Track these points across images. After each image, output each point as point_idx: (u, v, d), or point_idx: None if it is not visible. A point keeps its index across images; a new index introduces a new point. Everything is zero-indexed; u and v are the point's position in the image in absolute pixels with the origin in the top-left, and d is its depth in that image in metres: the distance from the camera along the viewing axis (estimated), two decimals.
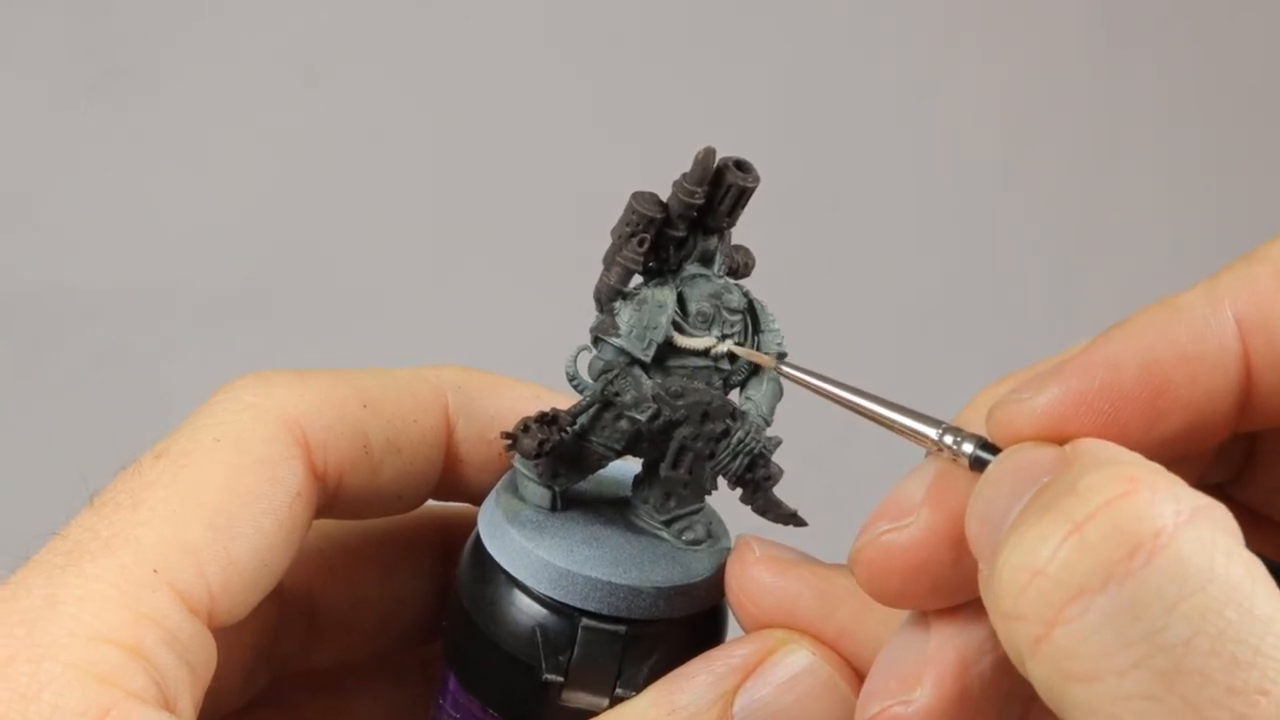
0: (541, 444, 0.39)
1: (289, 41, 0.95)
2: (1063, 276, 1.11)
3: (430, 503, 0.45)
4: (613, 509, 0.41)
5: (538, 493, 0.40)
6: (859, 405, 0.36)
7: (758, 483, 0.40)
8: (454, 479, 0.43)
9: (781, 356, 0.40)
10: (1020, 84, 1.08)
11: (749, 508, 0.40)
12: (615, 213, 0.39)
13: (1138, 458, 0.31)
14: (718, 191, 0.38)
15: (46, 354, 0.92)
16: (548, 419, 0.39)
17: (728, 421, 0.39)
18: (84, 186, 0.93)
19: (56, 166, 0.92)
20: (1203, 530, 0.28)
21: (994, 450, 0.34)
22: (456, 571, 0.41)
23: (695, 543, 0.40)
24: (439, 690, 0.42)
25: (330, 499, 0.41)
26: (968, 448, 0.34)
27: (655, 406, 0.39)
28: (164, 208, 0.94)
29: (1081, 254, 1.11)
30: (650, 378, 0.40)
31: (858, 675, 0.38)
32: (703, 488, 0.40)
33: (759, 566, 0.39)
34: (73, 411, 0.93)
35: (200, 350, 0.95)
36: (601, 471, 0.41)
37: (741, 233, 0.41)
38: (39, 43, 0.91)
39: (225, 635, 0.41)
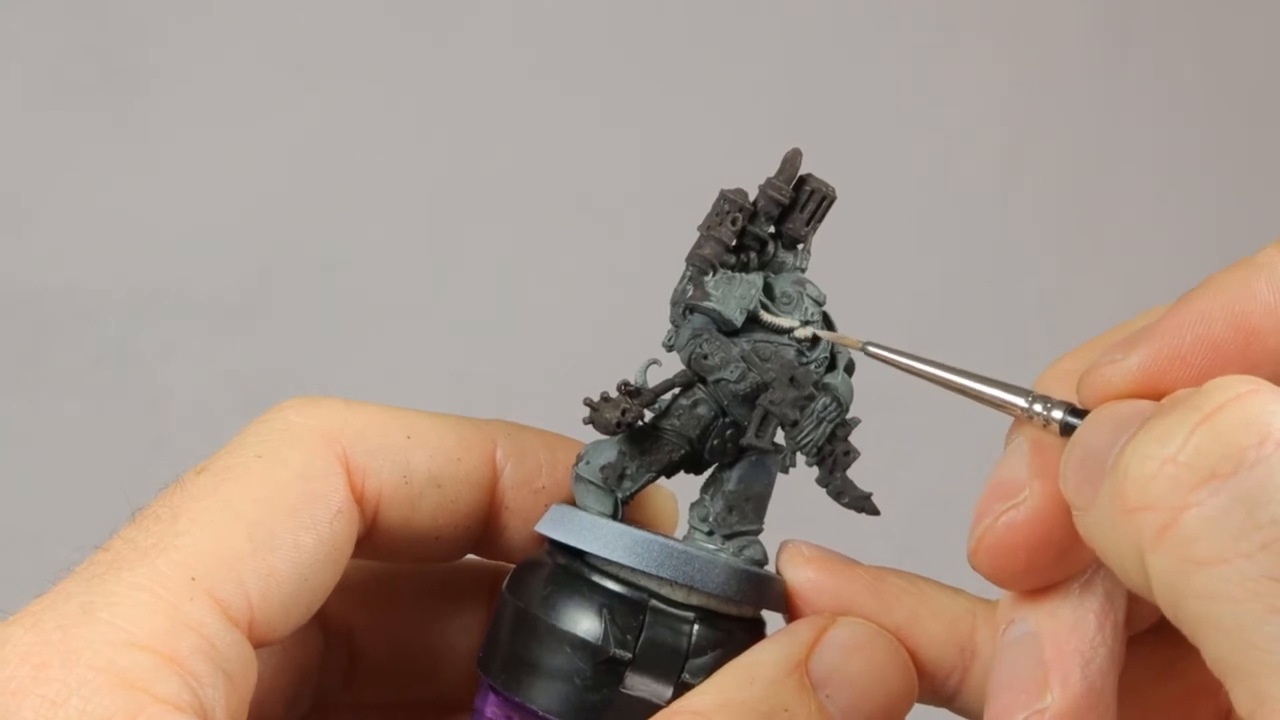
0: (624, 413, 0.38)
1: (289, 41, 0.95)
2: (1063, 278, 1.11)
3: (474, 559, 0.44)
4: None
5: (599, 501, 0.40)
6: (947, 380, 0.37)
7: (837, 458, 0.39)
8: (498, 527, 0.43)
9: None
10: (1021, 84, 1.08)
11: (824, 490, 0.40)
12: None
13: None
14: (799, 197, 0.41)
15: (46, 354, 0.92)
16: (631, 390, 0.39)
17: (812, 389, 0.39)
18: (84, 186, 0.92)
19: (56, 166, 0.92)
20: None
21: (1083, 415, 0.34)
22: (500, 591, 0.40)
23: (755, 562, 0.40)
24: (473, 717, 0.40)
25: (367, 528, 0.40)
26: (1057, 414, 0.35)
27: (744, 365, 0.39)
28: (164, 208, 0.93)
29: (1082, 255, 1.11)
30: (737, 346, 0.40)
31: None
32: (772, 476, 0.40)
33: (811, 567, 0.40)
34: (73, 411, 0.93)
35: (200, 350, 0.94)
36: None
37: None
38: (38, 43, 0.91)
39: (271, 658, 0.41)
